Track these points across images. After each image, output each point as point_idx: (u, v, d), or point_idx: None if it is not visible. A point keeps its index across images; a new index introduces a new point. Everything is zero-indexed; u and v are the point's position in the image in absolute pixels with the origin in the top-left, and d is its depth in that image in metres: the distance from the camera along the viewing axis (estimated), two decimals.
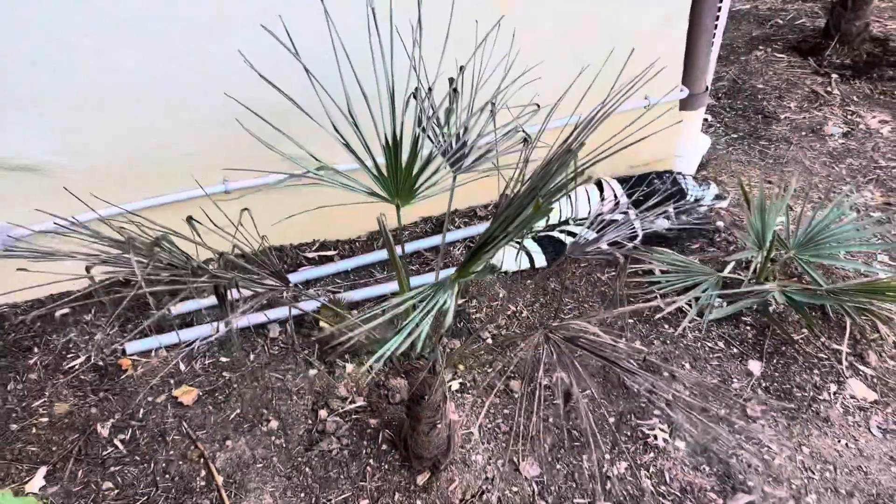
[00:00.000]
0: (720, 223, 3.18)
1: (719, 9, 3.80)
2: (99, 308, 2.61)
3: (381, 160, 1.78)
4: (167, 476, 2.11)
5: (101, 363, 2.42)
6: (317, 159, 1.80)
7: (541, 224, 3.06)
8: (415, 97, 1.95)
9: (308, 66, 1.72)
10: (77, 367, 2.40)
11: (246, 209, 1.89)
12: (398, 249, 1.81)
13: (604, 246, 2.78)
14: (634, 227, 3.00)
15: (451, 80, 2.02)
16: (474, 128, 1.94)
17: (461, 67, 2.01)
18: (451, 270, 1.88)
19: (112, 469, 2.13)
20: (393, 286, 2.72)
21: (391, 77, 1.78)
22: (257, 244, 1.71)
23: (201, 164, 2.53)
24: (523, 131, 1.95)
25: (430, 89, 2.03)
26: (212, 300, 2.62)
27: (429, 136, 1.93)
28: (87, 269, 1.56)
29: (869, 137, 3.91)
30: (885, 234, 3.21)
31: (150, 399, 2.33)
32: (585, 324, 1.61)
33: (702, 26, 3.11)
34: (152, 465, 2.14)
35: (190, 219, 1.70)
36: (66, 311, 2.60)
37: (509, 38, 2.37)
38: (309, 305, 2.64)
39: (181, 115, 2.46)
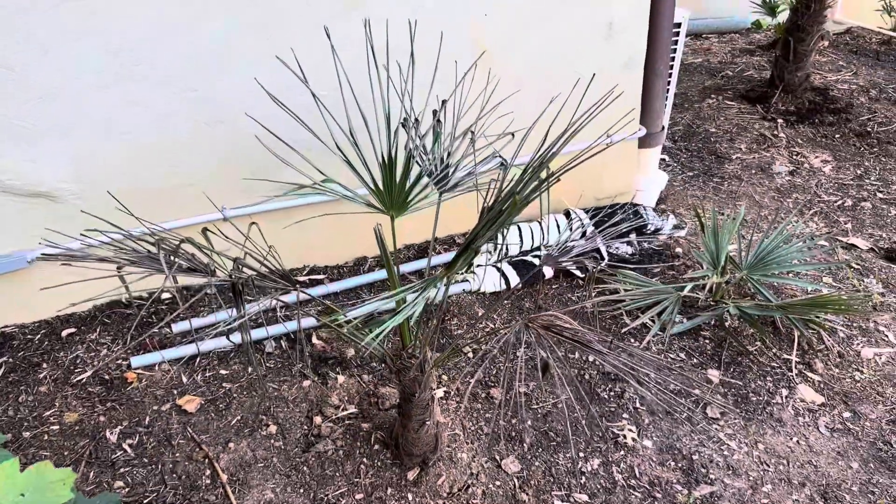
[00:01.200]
0: (679, 250, 3.46)
1: (673, 59, 4.17)
2: (104, 327, 2.76)
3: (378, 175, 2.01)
4: (175, 475, 2.26)
5: (107, 377, 2.57)
6: (320, 181, 2.03)
7: (515, 249, 3.30)
8: (404, 126, 2.21)
9: (313, 95, 1.96)
10: (84, 380, 2.55)
11: (254, 223, 2.10)
12: (397, 269, 2.02)
13: (564, 259, 3.03)
14: (601, 253, 3.26)
15: (434, 112, 2.28)
16: (456, 153, 2.19)
17: (443, 101, 2.27)
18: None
19: (122, 470, 2.27)
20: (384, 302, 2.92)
21: (387, 104, 2.03)
22: (263, 256, 1.91)
23: (207, 190, 2.73)
24: (500, 157, 2.21)
25: (417, 120, 2.29)
26: (210, 319, 2.80)
27: (416, 161, 2.18)
28: (119, 268, 1.74)
29: (813, 175, 4.25)
30: (827, 257, 3.51)
31: (155, 408, 2.48)
32: (558, 314, 1.83)
33: (656, 71, 3.44)
34: (160, 466, 2.29)
35: (205, 230, 1.91)
36: (72, 330, 2.75)
37: (486, 78, 2.65)
38: (306, 322, 2.83)
39: (188, 145, 2.68)
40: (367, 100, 2.10)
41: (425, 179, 2.09)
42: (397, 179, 2.03)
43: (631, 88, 3.43)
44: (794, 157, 4.45)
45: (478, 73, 2.72)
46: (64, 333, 2.75)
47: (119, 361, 2.63)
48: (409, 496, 2.27)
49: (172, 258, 1.77)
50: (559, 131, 1.90)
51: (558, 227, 3.37)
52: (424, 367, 2.14)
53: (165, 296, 2.89)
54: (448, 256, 3.27)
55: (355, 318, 1.94)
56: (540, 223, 3.39)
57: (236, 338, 2.68)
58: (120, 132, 2.57)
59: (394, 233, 2.08)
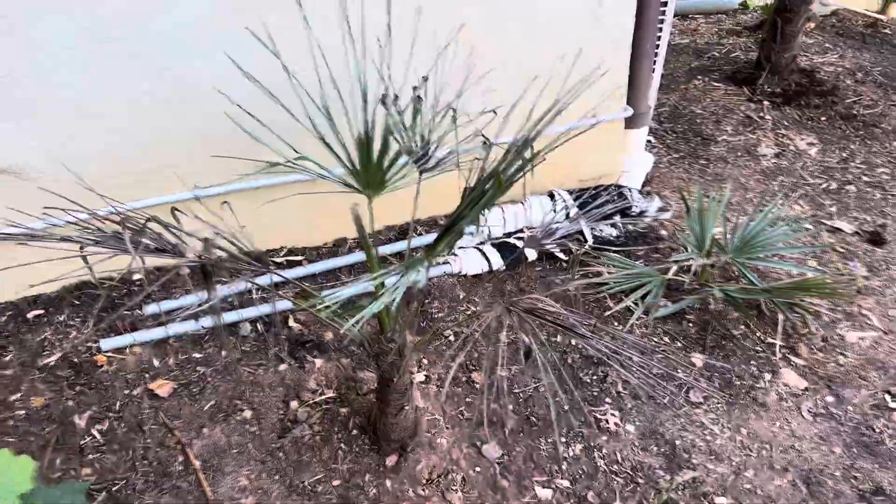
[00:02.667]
0: (663, 232, 3.41)
1: (659, 38, 4.10)
2: (73, 309, 2.68)
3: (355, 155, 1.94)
4: (146, 461, 2.20)
5: (76, 360, 2.49)
6: (294, 158, 1.95)
7: (498, 231, 3.24)
8: (382, 103, 2.13)
9: (284, 68, 1.88)
10: (52, 363, 2.47)
11: (226, 202, 2.03)
12: (375, 251, 1.96)
13: (547, 241, 2.98)
14: (584, 235, 3.20)
15: (414, 88, 2.20)
16: (437, 130, 2.12)
17: (424, 77, 2.20)
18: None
19: (91, 456, 2.20)
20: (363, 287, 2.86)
21: (363, 80, 1.95)
22: (234, 236, 1.84)
23: (181, 171, 2.65)
24: (483, 136, 2.14)
25: (396, 96, 2.21)
26: (183, 301, 2.72)
27: (395, 139, 2.11)
28: (81, 247, 1.67)
29: (798, 158, 4.22)
30: (812, 240, 3.48)
31: (126, 392, 2.41)
32: (541, 297, 1.78)
33: (643, 51, 3.37)
34: (130, 452, 2.22)
35: (174, 210, 1.83)
36: (39, 311, 2.67)
37: (469, 56, 2.57)
38: (282, 305, 2.76)
39: (162, 126, 2.59)
40: (343, 77, 2.02)
41: (404, 158, 2.02)
42: (374, 158, 1.96)
43: (618, 68, 3.36)
44: (780, 139, 4.41)
45: (461, 52, 2.64)
46: (30, 315, 2.66)
47: (89, 344, 2.55)
48: (388, 482, 2.22)
49: (139, 238, 1.69)
50: (544, 110, 1.83)
51: (542, 208, 3.31)
52: (403, 351, 2.08)
53: (137, 277, 2.80)
54: (430, 238, 3.20)
55: (335, 303, 1.88)
56: (523, 204, 3.33)
57: (209, 321, 2.61)
58: (91, 111, 2.47)
59: (371, 213, 2.01)
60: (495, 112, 2.16)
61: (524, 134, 1.81)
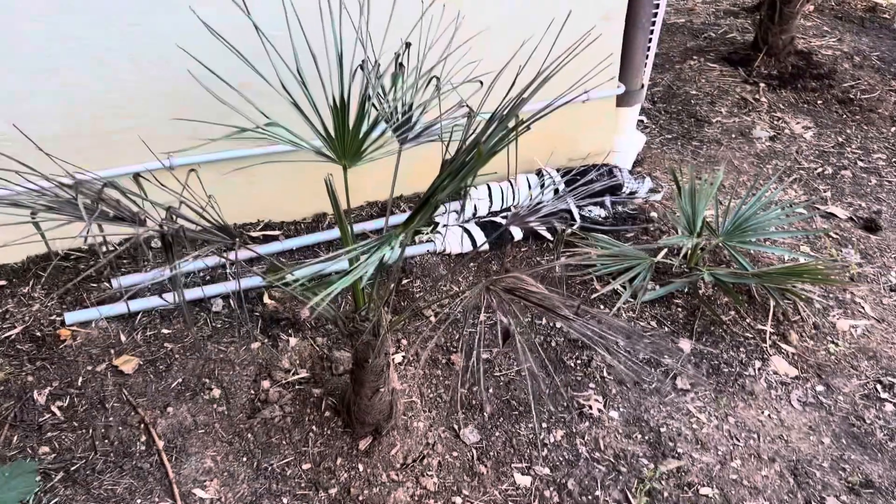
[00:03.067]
0: (653, 214, 3.32)
1: (655, 14, 3.98)
2: (37, 280, 2.57)
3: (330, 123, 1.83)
4: (106, 441, 2.10)
5: (38, 333, 2.38)
6: (264, 124, 1.84)
7: (483, 209, 3.14)
8: (362, 69, 2.02)
9: (255, 28, 1.76)
10: (13, 337, 2.36)
11: (193, 169, 1.91)
12: (350, 227, 1.85)
13: (530, 219, 2.88)
14: (572, 214, 3.11)
15: (396, 55, 2.09)
16: (418, 99, 2.01)
17: (407, 43, 2.08)
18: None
19: (49, 434, 2.10)
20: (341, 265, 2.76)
21: (339, 42, 1.84)
22: (202, 207, 1.73)
23: (149, 136, 2.52)
24: (467, 106, 2.03)
25: (377, 62, 2.10)
26: (153, 274, 2.61)
27: (374, 107, 2.00)
28: (33, 214, 1.56)
29: (793, 141, 4.12)
30: (805, 225, 3.40)
31: (89, 368, 2.30)
32: (522, 276, 1.68)
33: (638, 25, 3.26)
34: (91, 430, 2.12)
35: (137, 176, 1.72)
36: (2, 282, 2.55)
37: (454, 25, 2.45)
38: (253, 281, 2.65)
39: (130, 86, 2.47)
40: (319, 39, 1.91)
41: (382, 127, 1.91)
42: (350, 126, 1.85)
43: (610, 41, 3.25)
44: (775, 122, 4.31)
45: (446, 19, 2.53)
46: None
47: (52, 317, 2.44)
48: (360, 466, 2.13)
49: (95, 205, 1.58)
50: (528, 81, 1.72)
51: (529, 186, 3.21)
52: (378, 331, 1.99)
53: (109, 247, 2.68)
54: (396, 218, 3.10)
55: (303, 278, 1.78)
56: (511, 182, 3.23)
57: (173, 296, 2.50)
58: (51, 68, 2.34)
59: (346, 184, 1.90)
60: (481, 83, 2.05)
61: (506, 102, 1.70)
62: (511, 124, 1.71)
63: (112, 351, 2.36)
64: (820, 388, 2.58)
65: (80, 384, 2.25)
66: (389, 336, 2.04)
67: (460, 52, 2.44)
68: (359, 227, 2.97)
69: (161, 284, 2.57)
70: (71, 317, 2.40)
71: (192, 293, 2.52)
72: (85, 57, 2.37)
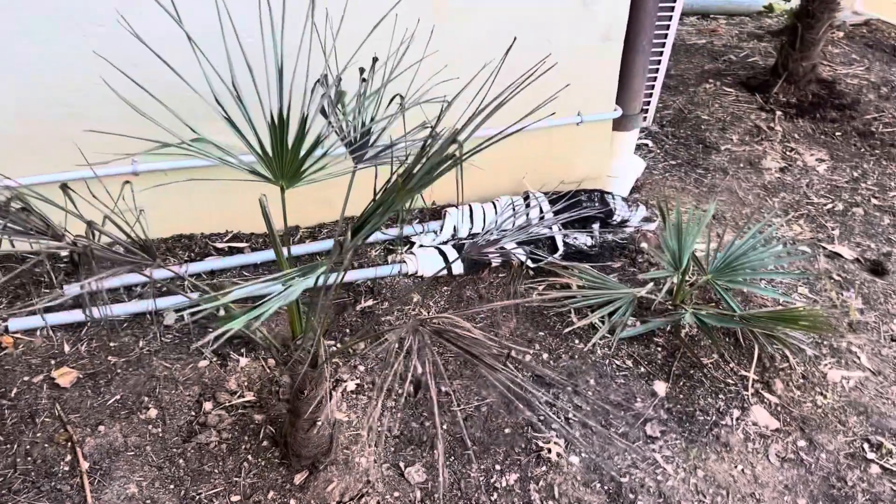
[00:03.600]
0: (644, 245, 3.16)
1: (665, 36, 3.84)
2: None
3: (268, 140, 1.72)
4: (29, 459, 2.01)
5: None
6: (190, 139, 1.73)
7: (463, 232, 3.02)
8: (321, 84, 1.91)
9: (188, 37, 1.66)
10: None
11: (128, 181, 1.82)
12: (287, 250, 1.74)
13: (509, 247, 2.74)
14: (555, 242, 2.97)
15: (361, 70, 1.98)
16: (380, 117, 1.90)
17: (374, 58, 1.97)
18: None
19: None
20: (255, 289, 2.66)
21: (280, 53, 1.73)
22: (140, 223, 1.63)
23: (109, 141, 2.44)
24: (431, 127, 1.91)
25: (339, 77, 1.99)
26: (122, 281, 2.53)
27: (332, 127, 1.89)
28: None
29: (805, 174, 3.94)
30: (807, 266, 3.22)
31: (26, 378, 2.22)
32: (457, 318, 1.55)
33: (637, 47, 3.11)
34: (15, 446, 2.03)
35: (64, 186, 1.63)
36: None
37: (435, 42, 2.33)
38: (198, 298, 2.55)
39: (94, 90, 2.39)
40: (258, 47, 1.80)
41: (326, 146, 1.80)
42: (289, 144, 1.74)
43: (608, 63, 3.11)
44: (788, 152, 4.13)
45: (435, 39, 2.41)
46: None
47: None
48: (292, 502, 2.01)
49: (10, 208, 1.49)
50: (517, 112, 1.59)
51: (514, 210, 3.08)
52: (317, 360, 1.87)
53: (65, 254, 2.61)
54: (373, 236, 2.98)
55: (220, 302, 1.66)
56: (495, 205, 3.10)
57: (132, 307, 2.42)
58: (13, 66, 2.28)
59: (284, 206, 1.79)
60: (448, 102, 1.93)
61: (452, 134, 1.57)
62: (451, 149, 1.58)
63: (53, 361, 2.28)
64: (802, 443, 2.41)
65: (13, 395, 2.17)
66: (328, 367, 1.93)
67: (432, 68, 2.33)
68: (309, 248, 2.85)
69: (116, 293, 2.48)
70: (15, 323, 2.33)
71: (142, 305, 2.43)
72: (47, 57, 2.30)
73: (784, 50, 4.72)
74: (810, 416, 2.50)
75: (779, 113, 4.52)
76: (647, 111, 4.13)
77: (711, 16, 6.12)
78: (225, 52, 1.69)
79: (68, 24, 2.25)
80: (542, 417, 2.37)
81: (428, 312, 2.72)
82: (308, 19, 1.80)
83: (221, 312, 1.86)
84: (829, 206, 3.69)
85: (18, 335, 2.34)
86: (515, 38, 1.73)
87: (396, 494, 2.08)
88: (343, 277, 2.55)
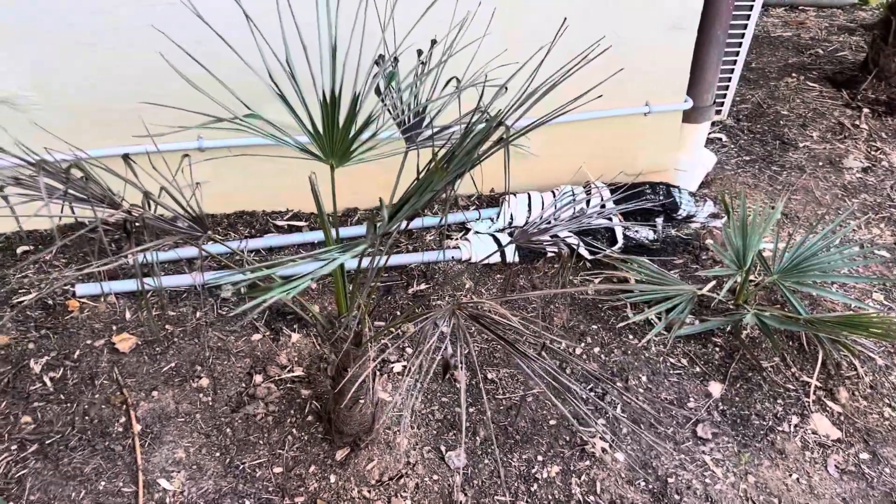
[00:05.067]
0: (709, 241, 3.06)
1: (745, 26, 3.69)
2: (60, 249, 2.62)
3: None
4: (87, 418, 2.10)
5: (50, 302, 2.42)
6: (244, 115, 1.76)
7: (520, 220, 2.98)
8: (377, 64, 1.92)
9: (256, 21, 1.69)
10: (26, 302, 2.41)
11: (187, 155, 1.87)
12: (336, 231, 1.76)
13: (562, 236, 2.70)
14: (614, 235, 2.90)
15: (419, 52, 1.98)
16: (435, 101, 1.89)
17: (433, 41, 1.97)
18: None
19: (35, 404, 2.12)
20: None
21: (334, 32, 1.74)
22: (198, 196, 1.68)
23: (174, 117, 2.52)
24: (486, 112, 1.89)
25: (395, 58, 1.99)
26: (171, 254, 2.62)
27: (385, 104, 1.90)
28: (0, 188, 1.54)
29: (890, 175, 3.73)
30: (884, 272, 3.05)
31: (88, 342, 2.32)
32: (495, 303, 1.54)
33: (711, 38, 3.00)
34: (75, 405, 2.13)
35: (126, 156, 1.68)
36: (29, 248, 2.62)
37: (496, 27, 2.30)
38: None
39: (159, 66, 2.46)
40: (312, 26, 1.82)
41: (374, 125, 1.80)
42: (340, 122, 1.75)
43: (679, 54, 3.01)
44: (873, 152, 3.92)
45: (495, 23, 2.39)
46: (19, 250, 2.61)
47: (67, 287, 2.47)
48: (332, 478, 2.04)
49: (55, 185, 1.55)
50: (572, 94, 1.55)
51: (573, 198, 3.02)
52: (360, 339, 1.89)
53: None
54: (427, 220, 2.97)
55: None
56: (554, 193, 3.06)
57: (178, 279, 2.49)
58: (89, 44, 2.36)
59: (333, 184, 1.81)
60: (506, 88, 1.90)
61: (498, 118, 1.55)
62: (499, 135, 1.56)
63: (114, 327, 2.37)
64: (865, 455, 2.29)
65: (76, 357, 2.27)
66: (372, 347, 1.94)
67: (491, 52, 2.30)
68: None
69: (176, 264, 2.56)
70: (82, 289, 2.43)
71: (186, 278, 2.51)
72: (112, 32, 2.38)
73: (876, 44, 4.47)
74: (876, 429, 2.38)
75: (866, 110, 4.29)
76: (721, 104, 3.99)
77: (800, 7, 5.86)
78: (280, 30, 1.71)
79: (137, 3, 2.32)
80: (584, 412, 2.33)
81: (479, 299, 2.71)
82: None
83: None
84: None
85: (85, 300, 2.44)
86: (566, 19, 1.69)
87: (435, 477, 2.09)
88: (388, 259, 2.56)
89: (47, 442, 2.02)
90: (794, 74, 4.70)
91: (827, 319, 2.53)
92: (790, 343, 2.63)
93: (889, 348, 2.64)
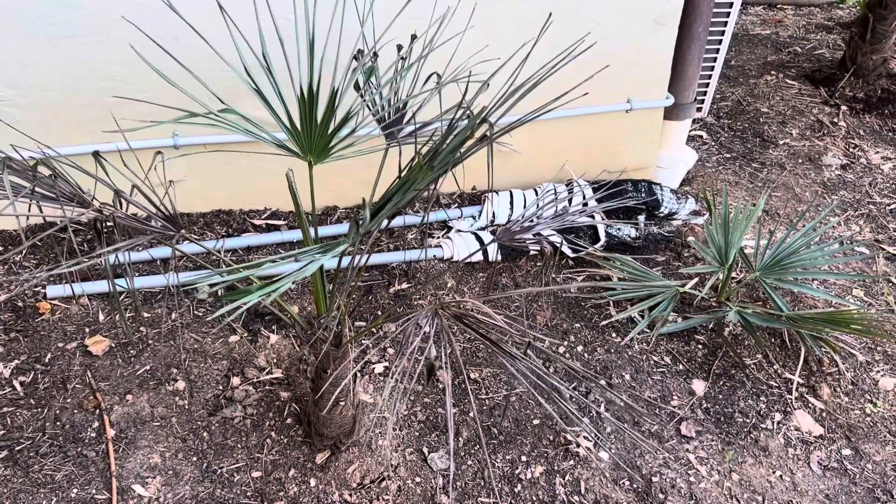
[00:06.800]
0: (691, 238, 3.05)
1: (724, 24, 3.69)
2: (31, 250, 2.55)
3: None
4: (58, 423, 2.04)
5: (20, 304, 2.36)
6: (218, 110, 1.72)
7: (503, 218, 2.96)
8: (356, 59, 1.88)
9: (231, 15, 1.64)
10: None
11: (160, 152, 1.82)
12: (315, 230, 1.72)
13: (545, 234, 2.67)
14: (597, 232, 2.89)
15: (399, 47, 1.94)
16: (416, 96, 1.86)
17: (413, 35, 1.93)
18: None
19: (4, 410, 2.06)
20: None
21: (311, 24, 1.70)
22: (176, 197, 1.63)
23: (148, 114, 2.46)
24: (469, 109, 1.86)
25: (375, 54, 1.95)
26: (144, 255, 2.56)
27: (364, 100, 1.86)
28: None
29: (868, 172, 3.75)
30: (864, 268, 3.06)
31: (60, 345, 2.26)
32: (478, 303, 1.51)
33: (693, 34, 2.99)
34: (46, 410, 2.07)
35: (96, 153, 1.63)
36: None
37: (478, 20, 2.27)
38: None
39: (134, 61, 2.40)
40: (289, 20, 1.78)
41: (353, 121, 1.77)
42: (318, 118, 1.71)
43: (661, 50, 3.00)
44: (851, 149, 3.94)
45: (477, 16, 2.35)
46: None
47: (37, 288, 2.41)
48: (313, 481, 2.00)
49: (20, 183, 1.50)
50: (555, 89, 1.53)
51: (555, 196, 3.00)
52: (341, 340, 1.85)
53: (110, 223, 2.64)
54: (409, 219, 2.94)
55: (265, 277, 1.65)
56: (536, 190, 3.03)
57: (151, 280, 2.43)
58: (65, 39, 2.30)
59: (311, 181, 1.77)
60: (488, 84, 1.87)
61: (481, 114, 1.52)
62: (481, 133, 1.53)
63: (87, 329, 2.31)
64: (847, 451, 2.29)
65: (47, 361, 2.21)
66: (353, 347, 1.90)
67: (473, 47, 2.27)
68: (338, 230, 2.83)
69: (150, 265, 2.51)
70: (53, 290, 2.37)
71: (161, 279, 2.45)
72: (87, 26, 2.31)
73: (853, 42, 4.51)
74: (858, 424, 2.38)
75: (844, 108, 4.32)
76: (702, 101, 3.99)
77: (779, 6, 5.89)
78: (256, 23, 1.67)
79: None
80: (570, 411, 2.30)
81: (461, 298, 2.68)
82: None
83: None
84: (893, 206, 3.51)
85: (56, 302, 2.38)
86: (551, 14, 1.66)
87: (418, 480, 2.05)
88: (368, 259, 2.52)
89: (17, 448, 1.96)
90: (773, 72, 4.72)
91: (808, 316, 2.53)
92: (772, 340, 2.63)
93: (870, 344, 2.65)
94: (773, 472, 2.20)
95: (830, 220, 3.34)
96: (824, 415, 2.39)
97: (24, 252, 2.52)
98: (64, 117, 2.43)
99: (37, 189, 1.53)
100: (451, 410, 2.13)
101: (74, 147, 2.42)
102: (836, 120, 4.19)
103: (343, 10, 1.91)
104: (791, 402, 2.41)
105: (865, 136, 4.07)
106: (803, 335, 2.52)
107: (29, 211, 1.85)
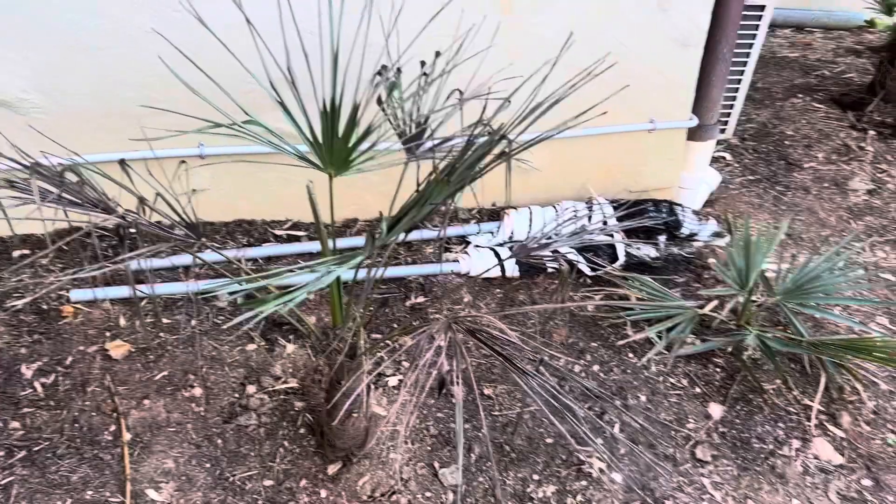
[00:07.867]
0: (712, 260, 3.03)
1: (751, 45, 3.68)
2: (57, 254, 2.59)
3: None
4: (76, 425, 2.07)
5: (45, 306, 2.40)
6: (242, 121, 1.74)
7: (521, 235, 2.96)
8: (380, 74, 1.90)
9: (259, 30, 1.67)
10: (20, 307, 2.39)
11: (183, 161, 1.85)
12: (332, 242, 1.73)
13: (563, 251, 2.67)
14: (615, 251, 2.88)
15: (422, 63, 1.96)
16: (437, 112, 1.87)
17: (437, 53, 1.95)
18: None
19: (25, 410, 2.09)
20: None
21: (336, 39, 1.72)
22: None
23: (177, 125, 2.50)
24: (489, 126, 1.87)
25: (398, 69, 1.97)
26: (173, 261, 2.60)
27: (386, 114, 1.88)
28: None
29: (895, 198, 3.70)
30: (889, 295, 3.01)
31: (81, 348, 2.29)
32: (492, 317, 1.51)
33: (718, 55, 2.99)
34: (65, 412, 2.10)
35: (122, 161, 1.67)
36: (25, 251, 2.59)
37: (502, 39, 2.29)
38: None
39: (162, 72, 2.45)
40: (314, 34, 1.80)
41: (374, 135, 1.78)
42: (340, 131, 1.73)
43: (685, 70, 2.99)
44: (879, 174, 3.89)
45: (501, 35, 2.37)
46: (16, 254, 2.59)
47: (62, 292, 2.45)
48: (323, 492, 2.00)
49: (48, 189, 1.53)
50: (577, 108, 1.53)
51: (575, 214, 3.00)
52: (356, 352, 1.86)
53: (133, 230, 2.69)
54: (427, 233, 2.94)
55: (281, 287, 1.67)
56: (555, 207, 3.03)
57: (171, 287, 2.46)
58: (94, 48, 2.35)
59: (331, 193, 1.78)
60: (509, 101, 1.88)
61: (500, 132, 1.53)
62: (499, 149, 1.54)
63: (108, 334, 2.35)
64: (867, 482, 2.25)
65: (68, 363, 2.24)
66: (367, 359, 1.91)
67: (495, 65, 2.29)
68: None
69: (172, 272, 2.54)
70: (76, 294, 2.41)
71: (181, 286, 2.48)
72: (118, 37, 2.36)
73: (883, 67, 4.46)
74: (879, 455, 2.33)
75: (871, 132, 4.27)
76: (726, 123, 3.97)
77: (807, 29, 5.85)
78: (282, 37, 1.70)
79: (143, 7, 2.31)
80: (583, 431, 2.29)
81: (478, 313, 2.68)
82: (366, 7, 1.79)
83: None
84: None
85: (79, 305, 2.42)
86: (572, 33, 1.67)
87: (428, 495, 2.05)
88: (385, 271, 2.54)
89: (35, 449, 1.99)
90: (799, 95, 4.68)
91: (830, 342, 2.49)
92: (792, 365, 2.60)
93: (893, 373, 2.60)
94: (790, 501, 2.17)
95: (855, 246, 3.30)
96: (844, 444, 2.36)
97: (49, 256, 2.57)
98: (92, 125, 2.48)
99: (63, 195, 1.57)
100: (462, 425, 2.13)
101: (101, 154, 2.47)
102: (863, 144, 4.15)
103: (368, 25, 1.93)
104: (810, 430, 2.38)
105: (893, 161, 4.02)
106: (824, 361, 2.48)
107: (55, 215, 1.89)
